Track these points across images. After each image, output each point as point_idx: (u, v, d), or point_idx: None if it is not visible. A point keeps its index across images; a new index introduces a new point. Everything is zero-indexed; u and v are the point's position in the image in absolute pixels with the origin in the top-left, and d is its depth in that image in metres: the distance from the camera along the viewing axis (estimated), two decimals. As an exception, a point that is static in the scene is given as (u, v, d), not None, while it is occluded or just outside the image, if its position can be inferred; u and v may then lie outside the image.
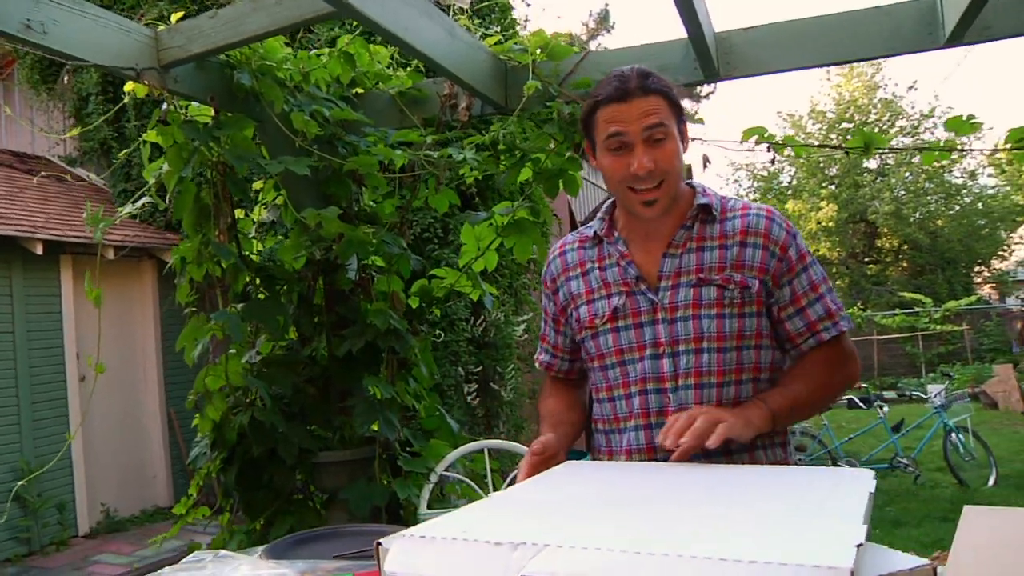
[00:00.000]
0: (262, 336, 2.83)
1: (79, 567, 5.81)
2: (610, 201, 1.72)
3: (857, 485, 1.09)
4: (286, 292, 3.05)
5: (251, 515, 2.92)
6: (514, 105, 2.79)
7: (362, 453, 2.88)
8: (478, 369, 7.53)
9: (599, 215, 1.72)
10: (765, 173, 24.63)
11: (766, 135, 2.73)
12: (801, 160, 21.88)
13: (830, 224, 22.11)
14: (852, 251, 22.86)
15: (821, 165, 22.70)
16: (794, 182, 24.52)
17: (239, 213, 3.08)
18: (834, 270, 23.36)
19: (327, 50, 2.65)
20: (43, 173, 4.86)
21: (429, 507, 2.78)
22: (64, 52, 2.11)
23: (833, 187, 22.94)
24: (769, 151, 2.71)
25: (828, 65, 2.67)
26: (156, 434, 7.41)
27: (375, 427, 2.79)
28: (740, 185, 25.87)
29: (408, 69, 2.93)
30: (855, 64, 21.45)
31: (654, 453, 1.55)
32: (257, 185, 3.12)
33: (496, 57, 2.84)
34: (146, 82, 2.29)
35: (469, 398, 7.38)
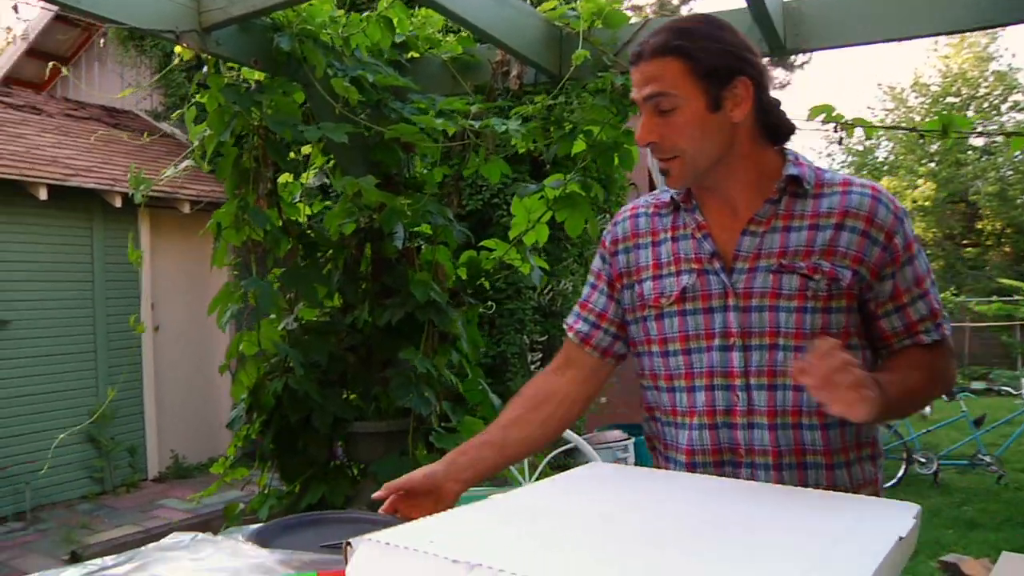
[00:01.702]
0: (302, 302, 2.81)
1: (145, 509, 6.04)
2: None
3: (887, 525, 0.97)
4: (332, 259, 3.03)
5: (287, 479, 2.94)
6: (574, 74, 2.67)
7: (397, 425, 2.85)
8: (543, 338, 7.48)
9: None
10: (861, 148, 23.62)
11: (834, 113, 2.55)
12: (900, 135, 20.90)
13: (926, 203, 21.09)
14: (949, 232, 21.79)
15: (921, 141, 21.61)
16: (891, 158, 23.44)
17: (287, 178, 3.07)
18: (928, 252, 22.31)
19: (366, 14, 2.57)
20: (128, 127, 4.95)
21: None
22: (100, 15, 2.10)
23: (933, 164, 21.84)
24: (836, 131, 2.52)
25: (915, 38, 2.44)
26: (225, 386, 7.62)
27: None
28: (833, 159, 24.90)
29: (459, 34, 2.83)
30: (966, 34, 20.33)
31: (720, 455, 1.38)
32: (306, 150, 3.09)
33: (550, 24, 2.72)
34: (185, 44, 2.26)
35: (533, 367, 7.35)
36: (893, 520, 0.98)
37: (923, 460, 7.26)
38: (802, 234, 1.34)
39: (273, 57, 2.47)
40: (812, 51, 2.50)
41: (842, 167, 24.59)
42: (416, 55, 3.02)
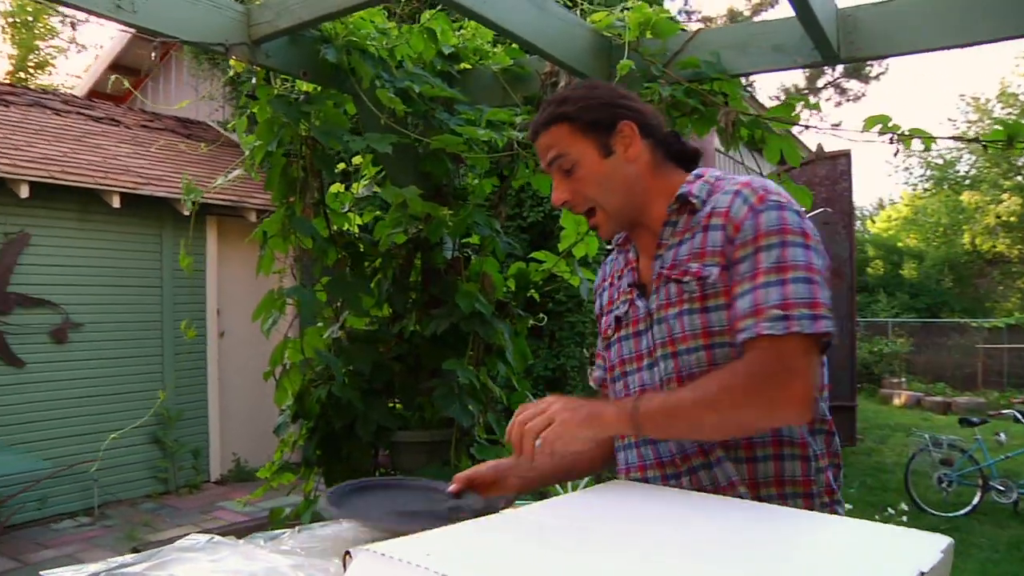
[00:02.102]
0: (347, 311, 2.84)
1: (205, 510, 6.18)
2: None
3: (909, 557, 0.91)
4: (380, 268, 3.06)
5: (331, 485, 2.96)
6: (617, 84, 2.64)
7: (441, 435, 2.85)
8: (602, 352, 7.41)
9: None
10: (940, 161, 22.87)
11: (890, 124, 2.45)
12: (983, 148, 20.13)
13: (1011, 219, 20.27)
14: (1036, 249, 20.90)
15: (1007, 153, 20.79)
16: (972, 172, 22.61)
17: (339, 187, 3.11)
18: (1014, 269, 21.44)
19: (411, 26, 2.59)
20: (200, 137, 5.10)
21: (503, 497, 2.72)
22: (153, 29, 2.16)
23: (1020, 178, 20.98)
24: (892, 143, 2.43)
25: (976, 44, 2.33)
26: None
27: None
28: (911, 173, 24.16)
29: (509, 46, 2.83)
30: (1053, 44, 19.52)
31: (663, 468, 1.43)
32: (357, 160, 3.13)
33: (599, 34, 2.70)
34: (235, 57, 2.31)
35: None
36: (915, 553, 0.93)
37: (1001, 488, 6.91)
38: (687, 244, 1.40)
39: (321, 69, 2.51)
40: (868, 59, 2.42)
41: (920, 181, 23.86)
42: (468, 66, 3.03)
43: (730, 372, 1.28)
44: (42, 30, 16.45)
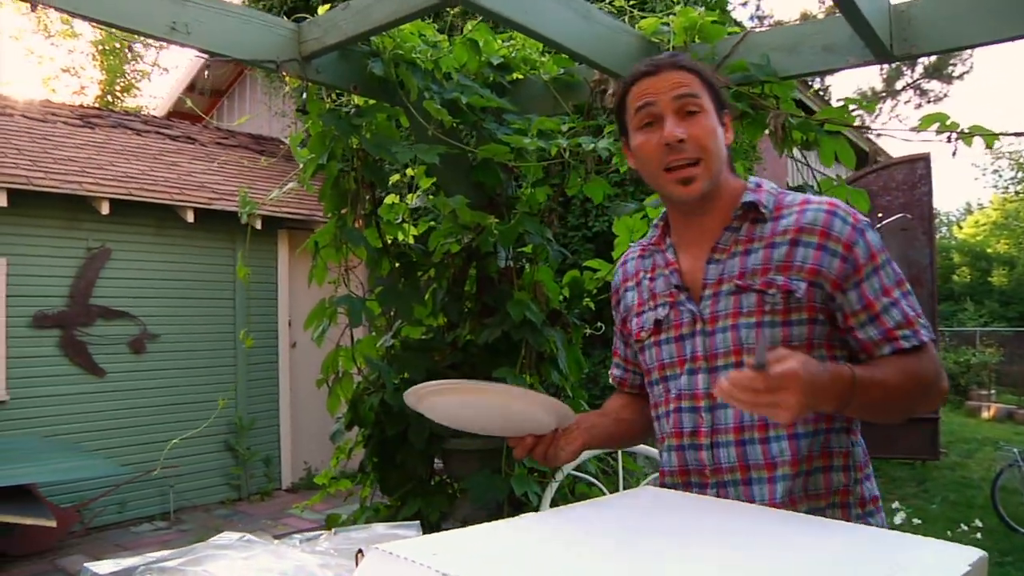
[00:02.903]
0: (400, 320, 2.88)
1: (276, 517, 6.32)
2: (665, 209, 1.59)
3: (933, 571, 0.88)
4: (435, 278, 3.10)
5: (386, 492, 3.01)
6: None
7: (492, 443, 2.86)
8: (669, 361, 7.34)
9: (653, 222, 1.61)
10: (1029, 163, 21.91)
11: (948, 123, 2.37)
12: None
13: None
14: None
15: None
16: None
17: (393, 198, 3.16)
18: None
19: (455, 37, 2.62)
20: (272, 153, 5.25)
21: (554, 505, 2.71)
22: (207, 49, 2.24)
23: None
24: (949, 141, 2.34)
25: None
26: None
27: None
28: (1000, 176, 23.21)
29: (555, 55, 2.84)
30: None
31: (687, 475, 1.42)
32: (411, 172, 3.17)
33: (647, 40, 2.68)
34: (284, 73, 2.38)
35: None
36: (941, 565, 0.90)
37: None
38: (759, 254, 1.38)
39: (370, 82, 2.56)
40: (924, 56, 2.35)
41: (1010, 183, 22.88)
42: (519, 76, 3.05)
43: (911, 366, 1.31)
44: (128, 55, 17.21)
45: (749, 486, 1.35)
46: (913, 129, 2.36)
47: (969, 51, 21.78)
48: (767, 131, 2.61)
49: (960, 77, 21.17)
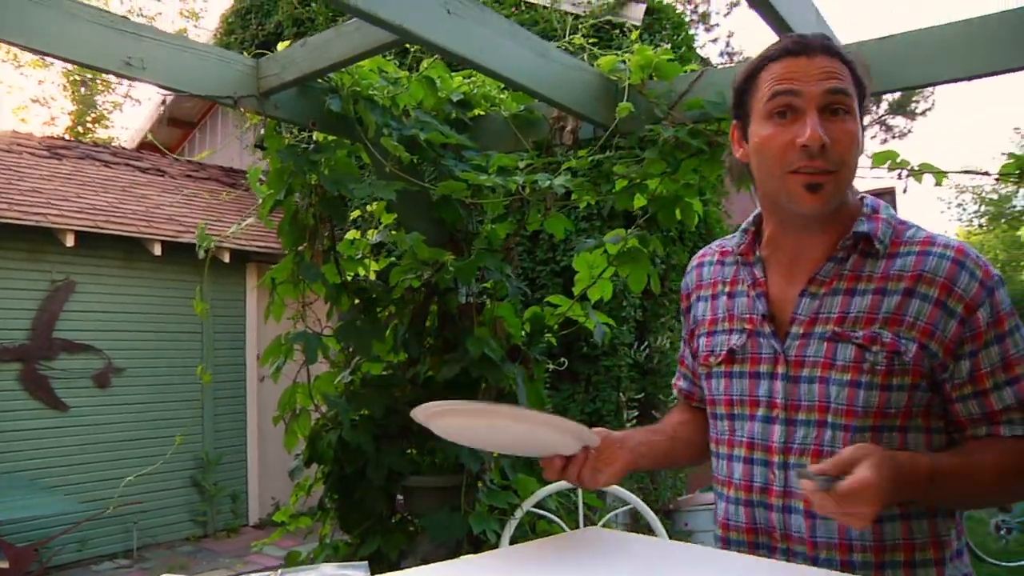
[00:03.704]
0: (359, 357, 2.86)
1: (241, 555, 6.22)
2: (758, 211, 1.38)
3: None
4: (396, 314, 3.08)
5: (346, 530, 2.96)
6: (624, 127, 2.65)
7: (451, 481, 2.84)
8: (639, 395, 7.34)
9: (743, 225, 1.38)
10: (995, 196, 22.35)
11: (899, 160, 2.41)
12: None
13: (1071, 256, 19.68)
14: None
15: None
16: (1029, 206, 22.07)
17: (355, 234, 3.16)
18: (1076, 307, 20.77)
19: (405, 74, 2.64)
20: (243, 186, 5.24)
21: (514, 543, 2.69)
22: (164, 84, 2.24)
23: (1077, 213, 20.42)
24: (900, 178, 2.39)
25: (979, 77, 2.29)
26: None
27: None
28: (964, 210, 23.66)
29: (514, 91, 2.86)
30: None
31: (755, 535, 1.27)
32: (372, 207, 3.17)
33: (604, 78, 2.72)
34: (242, 109, 2.38)
35: (628, 424, 7.21)
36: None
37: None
38: (866, 299, 1.19)
39: (328, 118, 2.56)
40: (874, 94, 2.38)
41: (975, 217, 23.30)
42: (481, 112, 3.07)
43: (1010, 456, 1.15)
44: (99, 86, 17.16)
45: (818, 565, 1.18)
46: (869, 167, 2.40)
47: (931, 89, 22.37)
48: (724, 168, 2.65)
49: (923, 114, 21.64)
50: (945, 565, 1.18)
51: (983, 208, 23.19)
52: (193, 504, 6.71)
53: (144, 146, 9.91)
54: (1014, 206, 22.62)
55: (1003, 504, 1.26)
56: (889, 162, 2.46)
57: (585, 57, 2.81)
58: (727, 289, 1.36)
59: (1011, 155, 2.29)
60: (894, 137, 22.51)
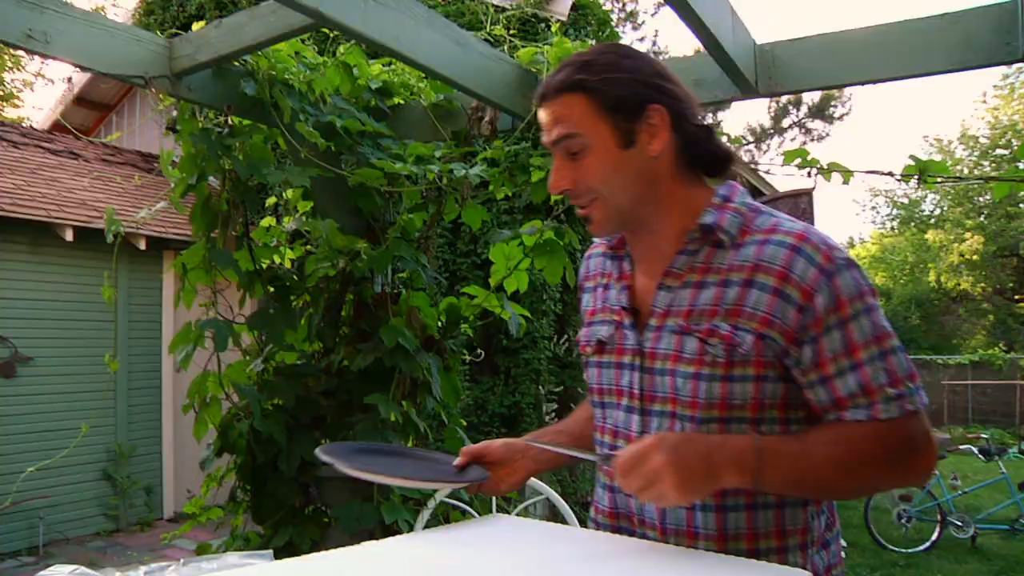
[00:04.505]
0: (271, 345, 2.82)
1: (155, 549, 6.07)
2: None
3: None
4: (311, 302, 3.05)
5: (258, 521, 2.93)
6: (528, 119, 2.68)
7: (365, 471, 2.83)
8: (559, 388, 7.42)
9: None
10: (906, 200, 23.24)
11: (809, 159, 2.50)
12: (948, 188, 20.52)
13: (974, 257, 20.60)
14: (1000, 287, 21.22)
15: (970, 193, 21.20)
16: (937, 211, 23.00)
17: (270, 221, 3.11)
18: (979, 306, 21.76)
19: (327, 60, 2.62)
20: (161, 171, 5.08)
21: (427, 533, 2.69)
22: (69, 59, 2.17)
23: (982, 218, 21.37)
24: (810, 176, 2.48)
25: (887, 80, 2.39)
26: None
27: (382, 445, 2.74)
28: (878, 212, 24.56)
29: (433, 81, 2.86)
30: (1015, 84, 19.99)
31: (616, 519, 1.30)
32: (288, 194, 3.13)
33: (523, 69, 2.74)
34: (153, 90, 2.32)
35: (548, 418, 7.27)
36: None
37: (959, 523, 6.93)
38: (711, 292, 1.19)
39: (244, 102, 2.52)
40: (786, 93, 2.47)
41: (887, 220, 24.19)
42: (400, 101, 3.06)
43: (859, 440, 1.13)
44: (7, 62, 16.40)
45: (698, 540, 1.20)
46: (780, 164, 2.48)
47: (848, 95, 23.17)
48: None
49: (840, 118, 22.44)
50: (790, 553, 1.19)
51: (895, 211, 24.09)
52: (104, 497, 6.51)
53: (57, 128, 9.54)
54: (923, 210, 23.58)
55: (866, 492, 1.27)
56: (799, 159, 2.56)
57: (506, 48, 2.83)
58: (604, 281, 1.39)
59: (913, 157, 2.40)
60: (813, 140, 23.28)
